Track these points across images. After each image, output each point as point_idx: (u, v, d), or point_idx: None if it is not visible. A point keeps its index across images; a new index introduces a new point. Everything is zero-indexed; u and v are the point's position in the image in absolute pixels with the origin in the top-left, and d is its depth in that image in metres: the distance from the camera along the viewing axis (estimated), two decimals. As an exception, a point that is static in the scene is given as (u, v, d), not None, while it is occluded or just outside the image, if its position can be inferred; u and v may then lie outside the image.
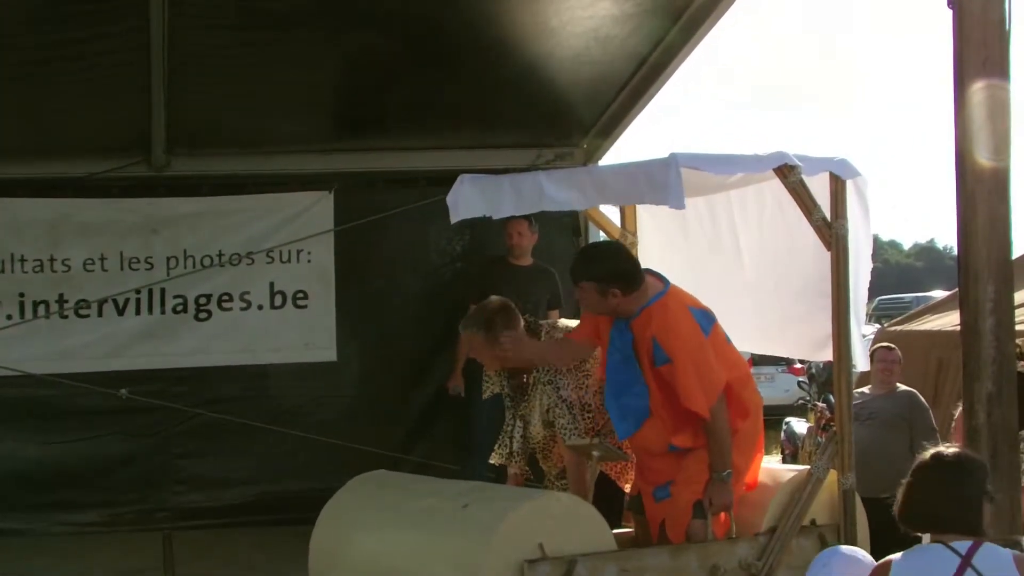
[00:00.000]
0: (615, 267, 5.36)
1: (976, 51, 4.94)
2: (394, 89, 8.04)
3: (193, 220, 8.83)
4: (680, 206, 4.86)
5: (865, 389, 7.93)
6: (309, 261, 8.98)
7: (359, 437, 8.61)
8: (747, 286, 6.18)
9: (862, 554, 4.10)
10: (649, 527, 5.49)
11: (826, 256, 5.44)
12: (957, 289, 5.30)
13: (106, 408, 8.70)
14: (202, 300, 8.87)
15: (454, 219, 5.60)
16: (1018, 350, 5.37)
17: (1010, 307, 5.01)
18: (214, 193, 8.88)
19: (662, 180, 4.91)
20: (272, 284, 8.97)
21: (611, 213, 6.57)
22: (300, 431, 8.81)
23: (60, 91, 7.53)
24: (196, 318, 8.87)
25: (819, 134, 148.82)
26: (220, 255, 8.83)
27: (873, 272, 5.91)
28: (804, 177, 5.32)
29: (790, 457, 11.96)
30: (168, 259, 8.78)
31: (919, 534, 3.68)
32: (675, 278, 5.50)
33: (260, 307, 8.95)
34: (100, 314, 8.71)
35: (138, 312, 8.78)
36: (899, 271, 66.64)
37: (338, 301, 9.03)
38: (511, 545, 4.76)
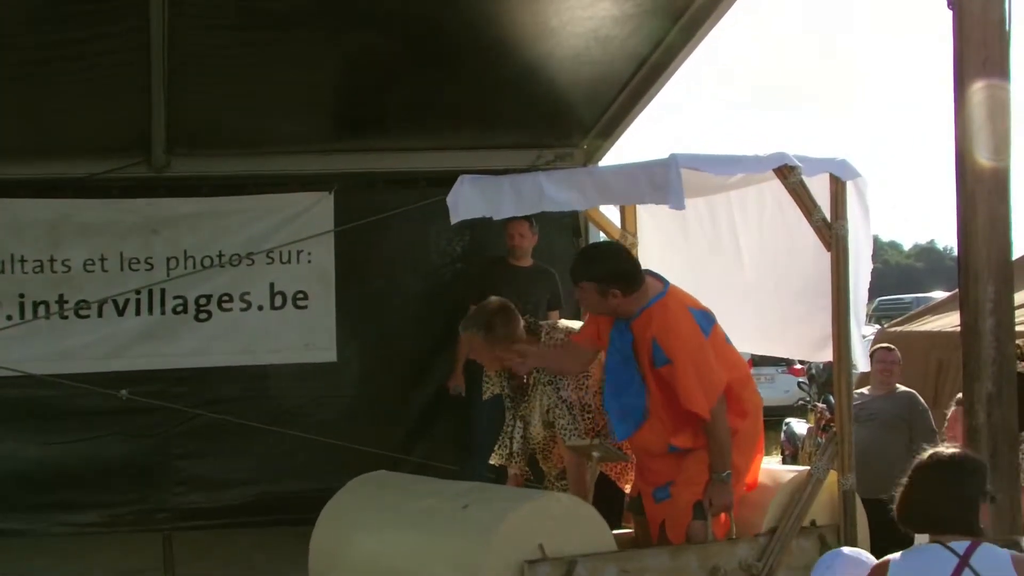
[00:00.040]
0: (615, 268, 5.36)
1: (976, 51, 4.94)
2: (394, 89, 8.04)
3: (193, 221, 8.83)
4: (680, 207, 4.86)
5: (864, 390, 7.93)
6: (309, 262, 8.98)
7: (359, 438, 8.61)
8: (747, 287, 6.18)
9: (865, 555, 4.10)
10: (649, 528, 5.49)
11: (826, 257, 5.44)
12: (957, 290, 5.29)
13: (106, 409, 8.70)
14: (202, 301, 8.87)
15: (454, 220, 5.60)
16: (1018, 351, 5.37)
17: (1010, 307, 5.01)
18: (214, 194, 8.88)
19: (662, 180, 4.91)
20: (272, 285, 8.97)
21: (611, 214, 6.57)
22: (300, 432, 8.81)
23: (60, 91, 7.53)
24: (196, 319, 8.86)
25: (819, 134, 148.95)
26: (220, 256, 8.83)
27: (873, 273, 5.91)
28: (804, 178, 5.32)
29: (790, 458, 11.95)
30: (168, 260, 8.78)
31: (918, 534, 3.68)
32: (675, 279, 5.50)
33: (260, 308, 8.95)
34: (100, 315, 8.70)
35: (138, 313, 8.78)
36: (899, 272, 66.64)
37: (338, 302, 9.03)
38: (511, 546, 4.76)
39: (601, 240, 7.43)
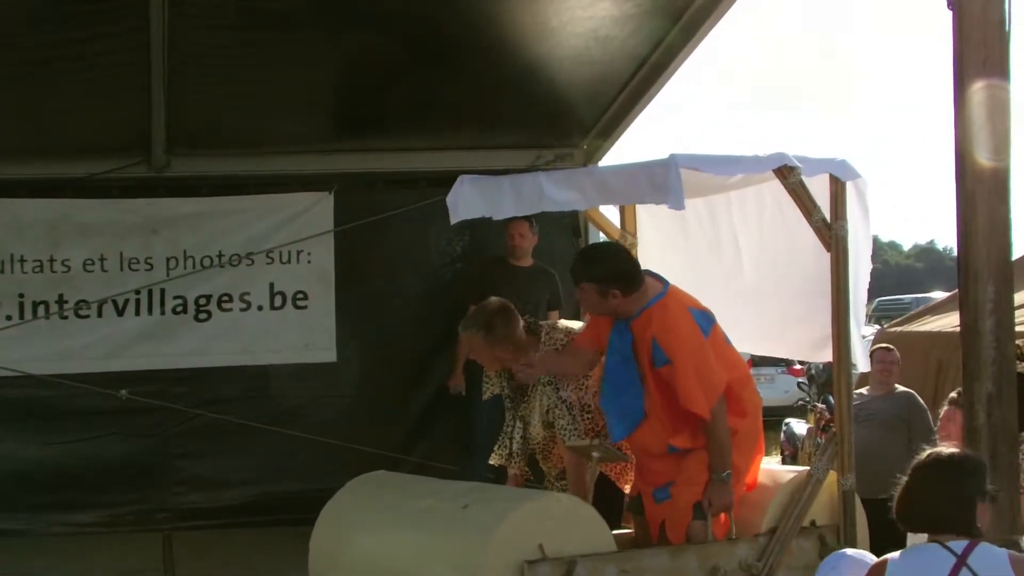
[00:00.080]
0: (615, 268, 5.36)
1: (976, 51, 4.94)
2: (394, 89, 8.04)
3: (193, 221, 8.83)
4: (680, 207, 4.86)
5: (863, 390, 7.94)
6: (309, 262, 8.98)
7: (359, 438, 8.61)
8: (747, 287, 6.18)
9: (870, 557, 4.10)
10: (649, 528, 5.49)
11: (826, 257, 5.44)
12: (957, 290, 5.29)
13: (106, 409, 8.70)
14: (202, 301, 8.87)
15: (454, 220, 5.60)
16: (1018, 350, 5.37)
17: (1010, 308, 5.01)
18: (214, 194, 8.88)
19: (662, 181, 4.91)
20: (272, 285, 8.97)
21: (610, 214, 6.57)
22: (300, 432, 8.81)
23: (60, 91, 7.54)
24: (196, 319, 8.87)
25: (819, 134, 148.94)
26: (220, 256, 8.83)
27: (873, 273, 5.91)
28: (804, 178, 5.32)
29: (790, 458, 11.95)
30: (168, 260, 8.78)
31: (916, 534, 3.69)
32: (675, 279, 5.50)
33: (260, 308, 8.95)
34: (100, 315, 8.71)
35: (138, 313, 8.78)
36: (899, 272, 66.63)
37: (338, 302, 9.03)
38: (511, 546, 4.76)
39: (601, 240, 7.43)
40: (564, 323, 5.95)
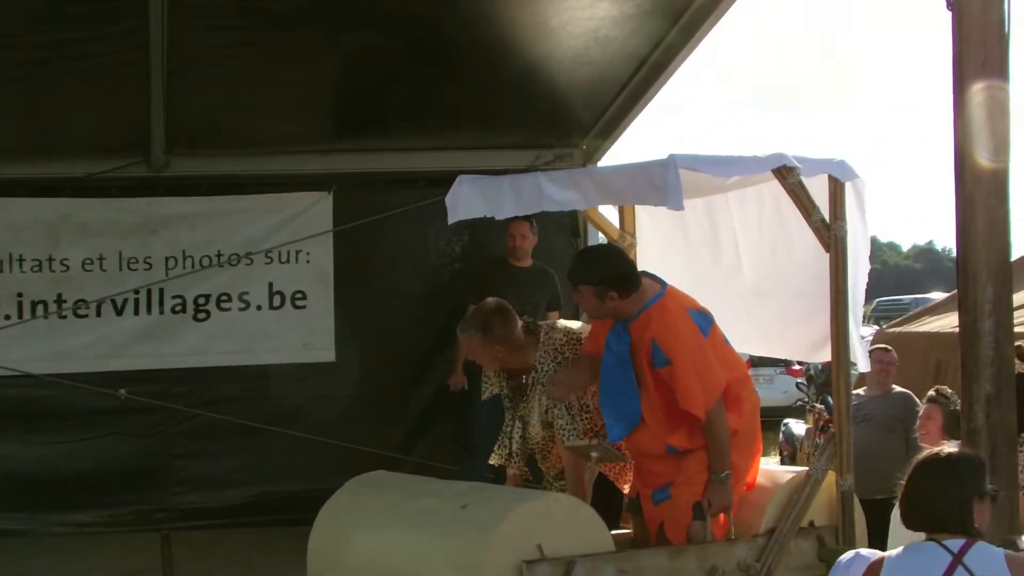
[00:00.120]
0: (612, 270, 5.36)
1: (975, 52, 4.94)
2: (394, 89, 8.04)
3: (192, 220, 8.83)
4: (679, 207, 4.86)
5: (861, 391, 7.94)
6: (308, 262, 8.98)
7: (358, 438, 8.61)
8: (746, 287, 6.18)
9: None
10: (648, 529, 5.49)
11: (824, 257, 5.44)
12: (956, 291, 5.29)
13: (105, 408, 8.71)
14: (201, 300, 8.87)
15: (452, 220, 5.59)
16: (1018, 350, 5.37)
17: (1009, 308, 5.01)
18: (213, 193, 8.88)
19: (661, 181, 4.91)
20: (271, 284, 8.97)
21: (610, 214, 6.57)
22: (299, 432, 8.81)
23: (60, 91, 7.54)
24: (195, 318, 8.87)
25: (819, 134, 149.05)
26: (219, 255, 8.84)
27: (872, 273, 5.91)
28: (803, 178, 5.33)
29: (788, 458, 11.96)
30: (167, 259, 8.78)
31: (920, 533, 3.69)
32: (674, 279, 5.50)
33: (259, 307, 8.96)
34: (99, 314, 8.71)
35: (137, 312, 8.78)
36: (898, 272, 66.65)
37: (337, 302, 9.03)
38: (510, 546, 4.76)
39: (600, 241, 7.43)
40: (563, 323, 5.95)
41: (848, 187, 5.47)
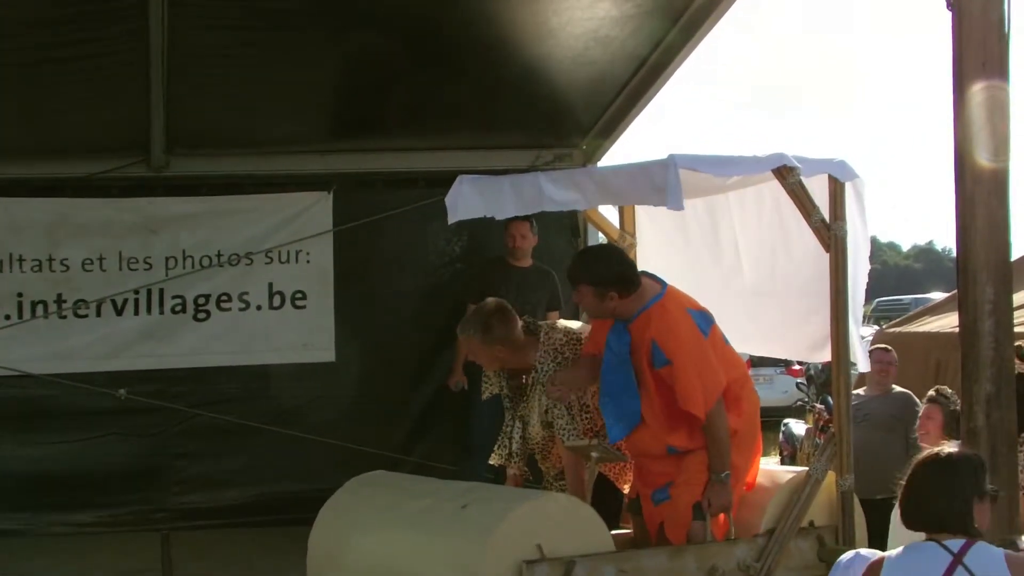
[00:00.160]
0: (612, 270, 5.36)
1: (975, 52, 4.94)
2: (394, 89, 8.04)
3: (192, 220, 8.83)
4: (679, 207, 4.86)
5: (860, 391, 7.94)
6: (308, 261, 8.98)
7: (358, 438, 8.62)
8: (746, 287, 6.18)
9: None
10: (647, 530, 5.49)
11: (824, 257, 5.44)
12: (956, 291, 5.29)
13: (105, 408, 8.71)
14: (201, 300, 8.87)
15: (452, 220, 5.59)
16: (1018, 350, 5.37)
17: (1009, 308, 5.01)
18: (213, 193, 8.88)
19: (661, 181, 4.91)
20: (271, 284, 8.97)
21: (610, 214, 6.57)
22: (299, 432, 8.81)
23: (60, 91, 7.54)
24: (195, 318, 8.86)
25: (819, 134, 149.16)
26: (219, 255, 8.83)
27: (872, 273, 5.91)
28: (803, 179, 5.33)
29: (788, 458, 11.95)
30: (167, 259, 8.78)
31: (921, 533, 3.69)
32: (674, 279, 5.50)
33: (259, 307, 8.95)
34: (99, 314, 8.71)
35: (136, 312, 8.78)
36: (898, 272, 66.66)
37: (337, 302, 9.03)
38: (509, 546, 4.76)
39: (599, 242, 7.43)
40: (563, 323, 5.95)
41: (848, 187, 5.47)
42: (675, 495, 5.30)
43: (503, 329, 5.65)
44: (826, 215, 5.41)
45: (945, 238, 78.48)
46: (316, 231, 8.84)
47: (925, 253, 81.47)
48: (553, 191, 5.42)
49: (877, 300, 27.66)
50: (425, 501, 5.33)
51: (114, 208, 8.74)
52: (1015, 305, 5.22)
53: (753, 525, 5.38)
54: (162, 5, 6.62)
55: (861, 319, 5.82)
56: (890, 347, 8.24)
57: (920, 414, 6.78)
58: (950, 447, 3.74)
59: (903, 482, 3.66)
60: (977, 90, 4.93)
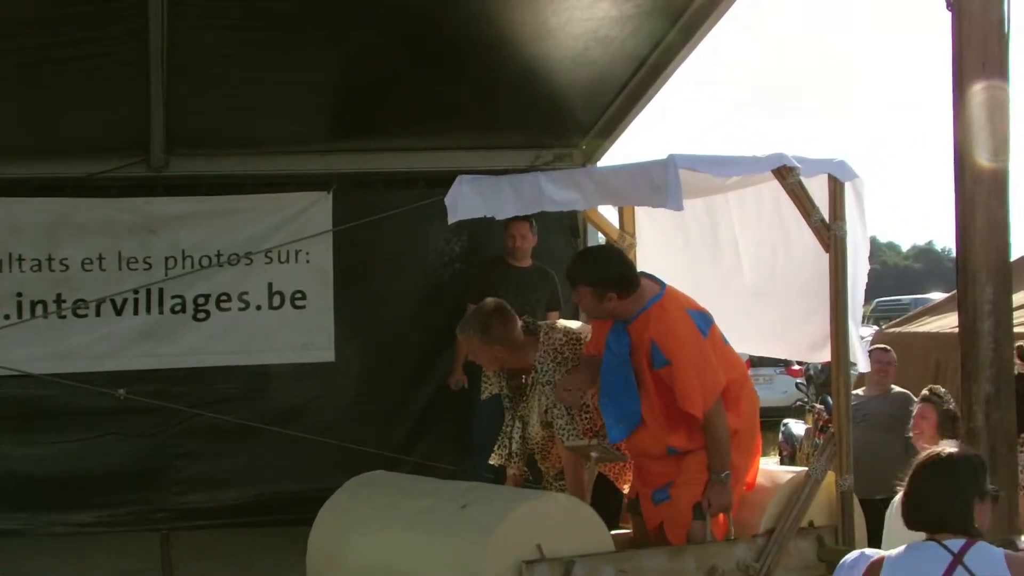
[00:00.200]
0: (611, 271, 5.36)
1: (975, 52, 4.94)
2: (394, 89, 8.04)
3: (192, 220, 8.83)
4: (678, 207, 4.86)
5: (860, 391, 7.94)
6: (308, 261, 8.98)
7: (357, 438, 8.62)
8: (746, 287, 6.18)
9: None
10: (647, 529, 5.49)
11: (824, 257, 5.44)
12: (955, 291, 5.29)
13: (104, 408, 8.71)
14: (200, 300, 8.87)
15: (452, 220, 5.59)
16: (1018, 350, 5.37)
17: (1008, 309, 5.01)
18: (213, 193, 8.88)
19: (661, 181, 4.91)
20: (270, 284, 8.97)
21: (609, 214, 6.57)
22: (298, 432, 8.81)
23: (60, 91, 7.54)
24: (194, 318, 8.86)
25: (819, 134, 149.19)
26: (219, 255, 8.84)
27: (871, 274, 5.91)
28: (802, 179, 5.32)
29: (788, 459, 11.95)
30: (166, 259, 8.78)
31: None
32: (673, 279, 5.50)
33: (258, 307, 8.95)
34: (98, 314, 8.71)
35: (136, 312, 8.78)
36: (897, 273, 66.65)
37: (336, 302, 9.03)
38: (509, 546, 4.76)
39: (599, 242, 7.43)
40: (563, 323, 5.94)
41: (848, 187, 5.47)
42: (675, 495, 5.30)
43: (502, 329, 5.65)
44: (826, 215, 5.41)
45: (945, 238, 78.61)
46: (316, 231, 8.84)
47: (925, 253, 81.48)
48: (553, 191, 5.42)
49: (876, 300, 27.66)
50: (425, 501, 5.33)
51: (114, 208, 8.74)
52: (1015, 305, 5.22)
53: (753, 525, 5.38)
54: (162, 5, 6.62)
55: (860, 319, 5.82)
56: (889, 347, 8.25)
57: (914, 414, 6.78)
58: (951, 447, 3.73)
59: (905, 483, 3.66)
60: (977, 90, 4.93)
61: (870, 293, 6.45)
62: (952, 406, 6.38)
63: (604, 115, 8.74)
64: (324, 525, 5.64)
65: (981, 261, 4.95)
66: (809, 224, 5.41)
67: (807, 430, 11.12)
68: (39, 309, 8.63)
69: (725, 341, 5.47)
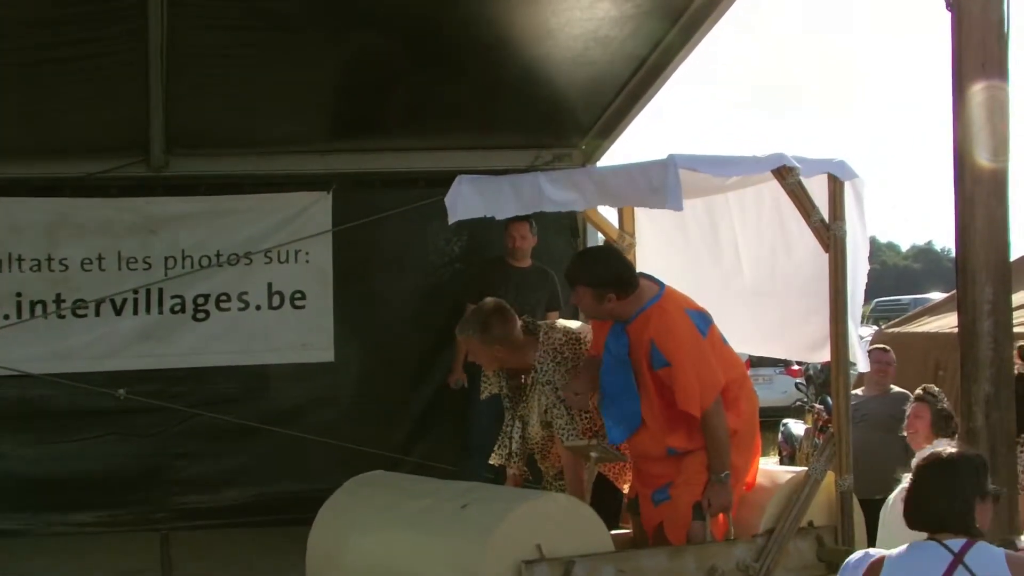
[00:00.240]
0: (610, 271, 5.36)
1: (975, 52, 4.95)
2: (394, 89, 8.04)
3: (191, 220, 8.83)
4: (678, 208, 4.86)
5: (859, 391, 7.94)
6: (307, 261, 8.98)
7: (357, 438, 8.62)
8: (745, 288, 6.18)
9: None
10: (646, 529, 5.49)
11: (824, 257, 5.44)
12: (955, 291, 5.30)
13: (104, 408, 8.71)
14: (200, 300, 8.87)
15: (452, 220, 5.59)
16: (1018, 350, 5.38)
17: (1008, 309, 5.01)
18: (212, 193, 8.88)
19: (660, 182, 4.91)
20: (270, 284, 8.97)
21: (609, 214, 6.57)
22: (298, 432, 8.82)
23: (60, 91, 7.54)
24: (194, 318, 8.86)
25: (819, 134, 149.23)
26: (218, 255, 8.84)
27: (871, 274, 5.91)
28: (802, 179, 5.32)
29: (787, 459, 11.96)
30: (166, 259, 8.78)
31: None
32: (673, 280, 5.50)
33: (258, 307, 8.95)
34: (98, 314, 8.71)
35: (136, 312, 8.78)
36: (897, 273, 66.69)
37: (336, 301, 9.03)
38: (509, 546, 4.75)
39: (598, 242, 7.43)
40: (562, 323, 5.94)
41: (847, 187, 5.47)
42: (675, 495, 5.30)
43: (502, 329, 5.65)
44: (825, 215, 5.40)
45: (944, 238, 78.67)
46: (315, 231, 8.84)
47: (924, 253, 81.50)
48: (552, 191, 5.42)
49: (876, 300, 27.68)
50: (425, 501, 5.33)
51: (113, 208, 8.74)
52: (1014, 305, 5.22)
53: (752, 525, 5.38)
54: (162, 5, 6.62)
55: (860, 319, 5.83)
56: (889, 347, 8.25)
57: (908, 413, 6.78)
58: (951, 447, 3.74)
59: (908, 482, 3.66)
60: (977, 90, 4.94)
61: (870, 293, 6.45)
62: (946, 405, 6.38)
63: (604, 115, 8.74)
64: (324, 525, 5.64)
65: (981, 261, 4.96)
66: (809, 224, 5.40)
67: (807, 430, 11.12)
68: (39, 309, 8.63)
69: (724, 341, 5.47)
